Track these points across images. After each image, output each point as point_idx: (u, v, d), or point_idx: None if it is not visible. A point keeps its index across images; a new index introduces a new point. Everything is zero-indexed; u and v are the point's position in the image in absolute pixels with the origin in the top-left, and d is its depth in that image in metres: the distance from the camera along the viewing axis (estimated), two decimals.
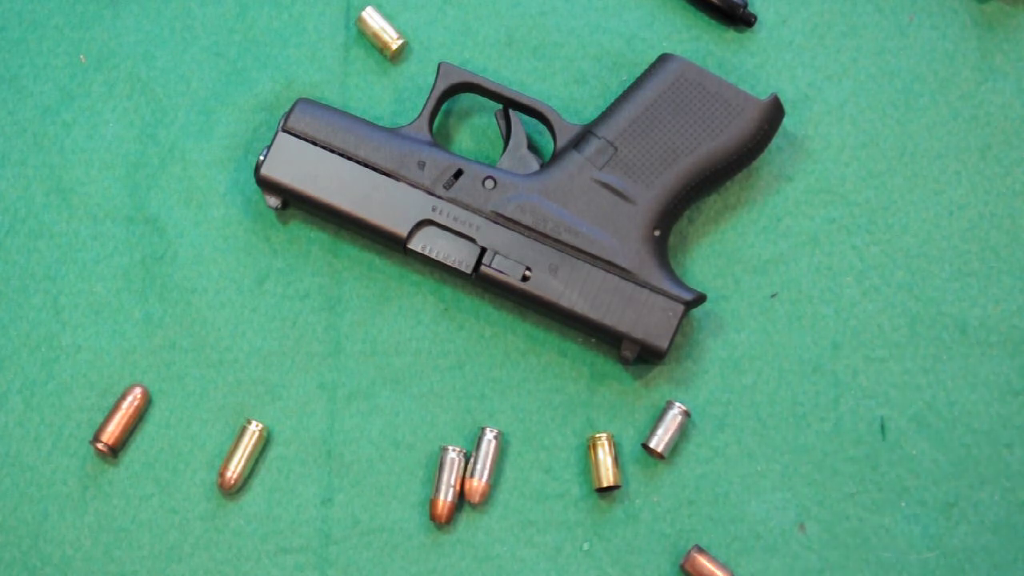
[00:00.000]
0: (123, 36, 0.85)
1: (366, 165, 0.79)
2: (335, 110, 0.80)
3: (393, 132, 0.80)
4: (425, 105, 0.81)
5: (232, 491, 0.78)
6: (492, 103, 0.83)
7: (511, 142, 0.81)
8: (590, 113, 0.84)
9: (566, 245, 0.78)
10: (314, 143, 0.80)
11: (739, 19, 0.85)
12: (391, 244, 0.79)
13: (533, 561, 0.78)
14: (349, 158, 0.79)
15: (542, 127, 0.83)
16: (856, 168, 0.83)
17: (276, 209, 0.80)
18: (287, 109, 0.81)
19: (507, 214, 0.79)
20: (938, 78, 0.85)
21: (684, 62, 0.81)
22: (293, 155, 0.79)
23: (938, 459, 0.80)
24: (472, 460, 0.79)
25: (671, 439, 0.79)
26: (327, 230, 0.82)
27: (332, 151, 0.79)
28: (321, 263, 0.82)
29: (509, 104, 0.82)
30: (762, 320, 0.81)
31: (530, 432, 0.80)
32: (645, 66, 0.82)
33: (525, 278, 0.78)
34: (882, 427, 0.80)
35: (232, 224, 0.82)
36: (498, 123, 0.82)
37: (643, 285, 0.78)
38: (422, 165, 0.79)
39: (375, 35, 0.84)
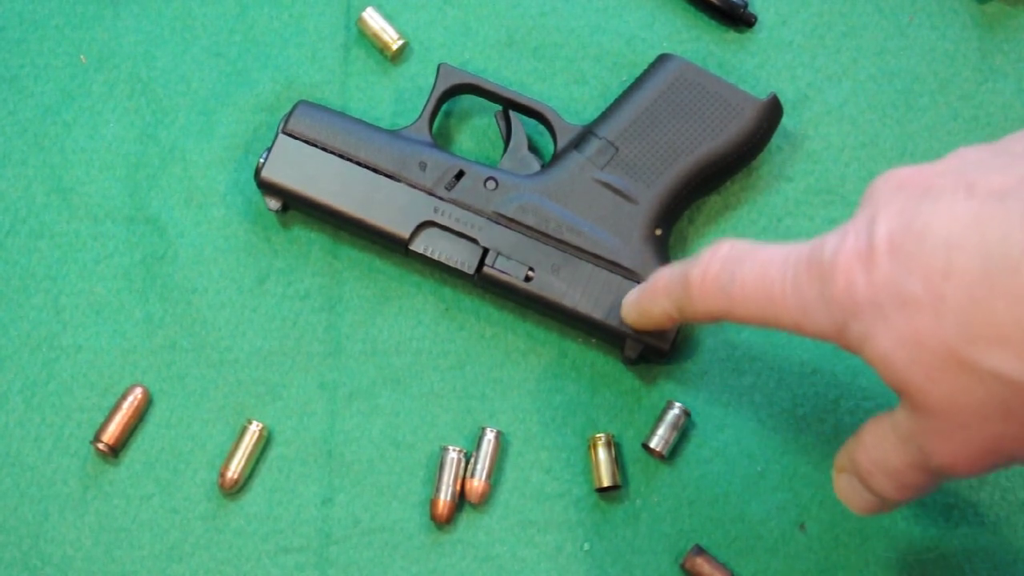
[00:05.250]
0: (123, 36, 0.85)
1: (367, 167, 0.79)
2: (335, 112, 0.81)
3: (394, 134, 0.80)
4: (425, 106, 0.81)
5: (233, 491, 0.78)
6: (492, 104, 0.83)
7: (511, 143, 0.81)
8: (590, 114, 0.84)
9: (568, 245, 0.78)
10: (314, 145, 0.80)
11: (739, 19, 0.85)
12: (393, 246, 0.79)
13: (533, 561, 0.78)
14: (350, 160, 0.79)
15: (542, 128, 0.83)
16: (856, 168, 0.84)
17: (277, 211, 0.80)
18: (287, 111, 0.81)
19: (509, 215, 0.79)
20: (938, 79, 0.85)
21: (683, 62, 0.81)
22: (294, 157, 0.79)
23: None
24: (472, 460, 0.79)
25: (671, 439, 0.79)
26: (327, 230, 0.82)
27: (333, 153, 0.80)
28: (321, 263, 0.82)
29: (509, 105, 0.82)
30: None
31: (530, 432, 0.80)
32: (645, 66, 0.83)
33: (528, 278, 0.78)
34: None
35: (232, 224, 0.83)
36: (498, 124, 0.82)
37: None
38: (423, 166, 0.79)
39: (375, 36, 0.84)
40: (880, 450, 0.64)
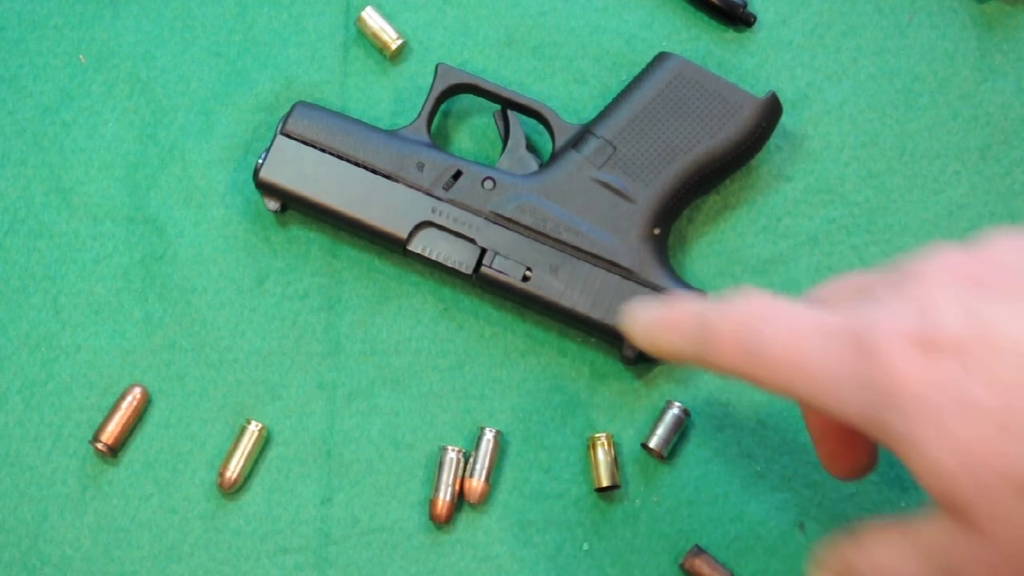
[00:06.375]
0: (123, 36, 0.85)
1: (365, 167, 0.79)
2: (333, 113, 0.81)
3: (391, 134, 0.80)
4: (423, 106, 0.81)
5: (231, 491, 0.78)
6: (491, 104, 0.83)
7: (510, 143, 0.81)
8: (589, 113, 0.84)
9: (567, 245, 0.78)
10: (312, 146, 0.80)
11: (739, 19, 0.85)
12: (391, 246, 0.79)
13: (533, 561, 0.78)
14: (348, 160, 0.79)
15: (540, 127, 0.83)
16: (856, 168, 0.84)
17: (276, 212, 0.80)
18: (285, 112, 0.81)
19: (507, 214, 0.79)
20: (937, 78, 0.85)
21: (681, 60, 0.81)
22: (292, 158, 0.79)
23: None
24: (471, 460, 0.79)
25: (671, 439, 0.79)
26: (326, 231, 0.82)
27: (331, 153, 0.79)
28: (321, 263, 0.82)
29: (507, 104, 0.82)
30: None
31: (530, 432, 0.80)
32: (644, 66, 0.82)
33: (526, 278, 0.78)
34: None
35: (232, 224, 0.82)
36: (496, 124, 0.82)
37: (644, 284, 0.78)
38: (421, 166, 0.79)
39: (375, 35, 0.84)
40: (893, 562, 0.57)
